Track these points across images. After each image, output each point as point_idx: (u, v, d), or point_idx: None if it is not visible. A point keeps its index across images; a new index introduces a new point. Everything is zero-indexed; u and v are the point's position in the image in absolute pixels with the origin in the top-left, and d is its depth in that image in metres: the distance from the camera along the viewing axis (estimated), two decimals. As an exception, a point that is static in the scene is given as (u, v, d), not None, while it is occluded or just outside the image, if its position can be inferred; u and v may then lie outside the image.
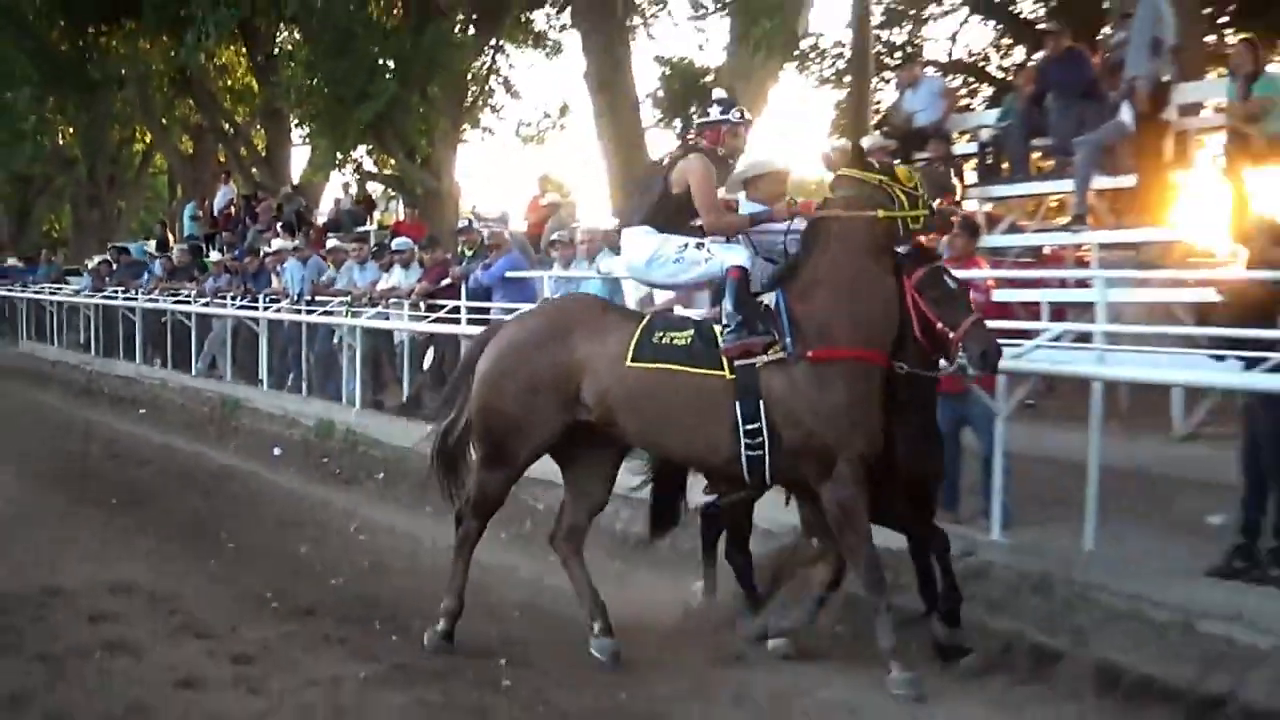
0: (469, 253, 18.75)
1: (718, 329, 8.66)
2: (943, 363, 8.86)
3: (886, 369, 8.51)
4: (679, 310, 10.83)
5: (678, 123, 31.76)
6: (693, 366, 8.53)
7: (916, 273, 8.66)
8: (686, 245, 9.17)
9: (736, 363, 8.42)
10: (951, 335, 8.53)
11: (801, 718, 8.05)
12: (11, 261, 41.15)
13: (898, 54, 30.38)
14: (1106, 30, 17.79)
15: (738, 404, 8.36)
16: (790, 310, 8.50)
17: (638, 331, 8.79)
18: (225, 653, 9.22)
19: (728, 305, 8.66)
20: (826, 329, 8.38)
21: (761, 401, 8.33)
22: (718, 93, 10.81)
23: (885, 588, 8.55)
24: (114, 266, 31.79)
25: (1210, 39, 21.78)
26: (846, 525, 8.54)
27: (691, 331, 8.74)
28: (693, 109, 28.06)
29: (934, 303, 8.63)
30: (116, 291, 29.91)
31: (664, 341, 8.69)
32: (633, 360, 8.66)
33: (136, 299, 28.22)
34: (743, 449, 8.40)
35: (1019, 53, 26.04)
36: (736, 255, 8.96)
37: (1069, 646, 8.51)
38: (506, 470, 9.39)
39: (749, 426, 8.34)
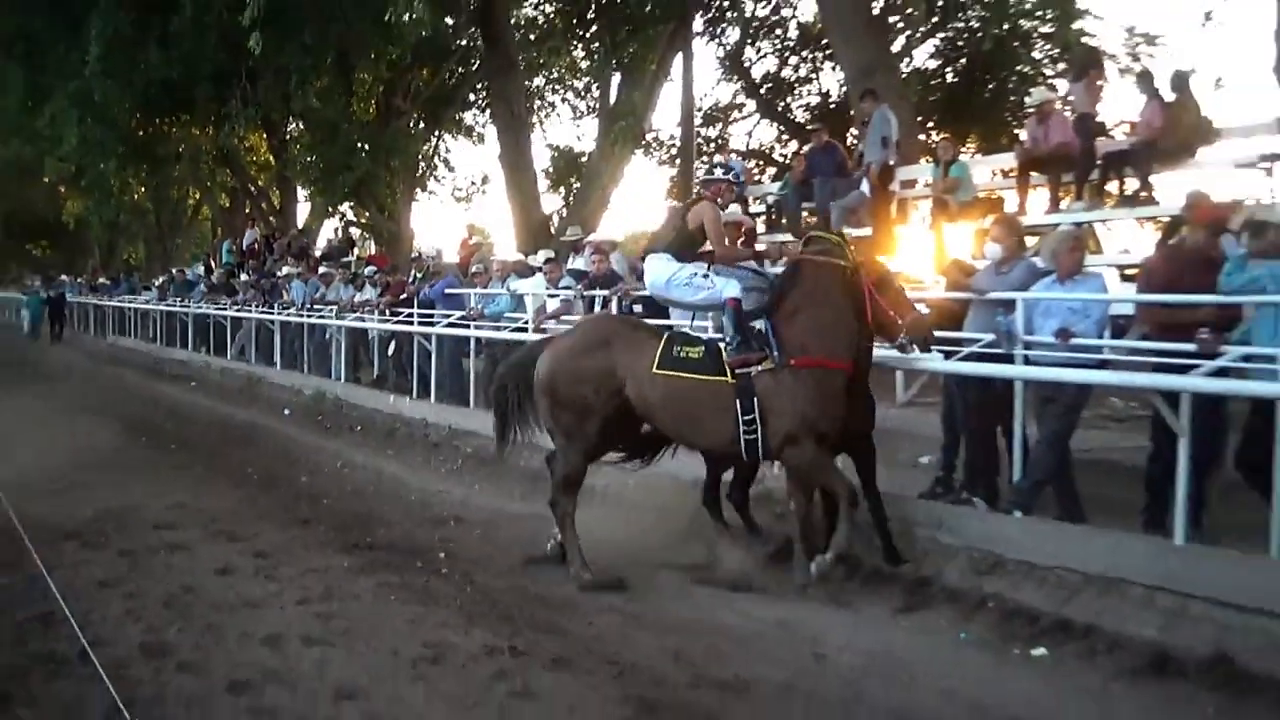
0: (419, 275, 18.64)
1: (721, 345, 8.52)
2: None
3: (848, 373, 8.33)
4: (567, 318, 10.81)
5: (562, 189, 32.01)
6: (705, 374, 8.33)
7: (871, 279, 8.54)
8: (696, 273, 8.99)
9: (737, 371, 8.27)
10: (900, 323, 8.39)
11: (726, 610, 7.76)
12: (103, 280, 40.35)
13: (712, 144, 30.40)
14: (853, 131, 17.92)
15: (738, 402, 8.20)
16: (777, 331, 8.35)
17: (660, 345, 8.55)
18: (250, 550, 9.15)
19: (728, 328, 8.55)
20: (804, 345, 8.23)
21: (755, 399, 8.18)
22: (719, 159, 10.72)
23: (814, 534, 8.38)
24: (173, 284, 31.42)
25: (922, 136, 21.96)
26: (801, 482, 8.42)
27: (702, 348, 8.53)
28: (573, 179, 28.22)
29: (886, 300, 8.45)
30: (175, 301, 29.60)
31: (681, 355, 8.47)
32: (657, 369, 8.44)
33: (189, 307, 27.94)
34: (742, 434, 8.23)
35: (793, 145, 26.14)
36: (732, 287, 8.75)
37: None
38: (583, 447, 8.75)
39: (746, 418, 8.18)
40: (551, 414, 8.77)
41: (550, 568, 8.66)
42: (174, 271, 33.90)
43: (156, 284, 33.16)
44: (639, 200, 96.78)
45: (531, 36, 29.93)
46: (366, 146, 29.18)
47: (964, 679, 6.36)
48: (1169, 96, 13.84)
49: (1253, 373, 7.29)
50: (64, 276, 38.37)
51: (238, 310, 24.52)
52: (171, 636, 6.86)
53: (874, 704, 5.96)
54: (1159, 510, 7.74)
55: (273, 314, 22.27)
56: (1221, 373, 7.32)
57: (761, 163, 30.60)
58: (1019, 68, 27.33)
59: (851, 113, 18.61)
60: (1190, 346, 7.63)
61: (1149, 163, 13.79)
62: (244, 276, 27.05)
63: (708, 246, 9.05)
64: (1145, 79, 14.63)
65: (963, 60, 28.68)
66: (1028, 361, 8.60)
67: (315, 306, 20.92)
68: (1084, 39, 26.36)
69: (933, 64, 29.42)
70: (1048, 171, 15.06)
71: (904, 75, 25.58)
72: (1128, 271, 12.49)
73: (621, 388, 8.59)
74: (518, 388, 9.09)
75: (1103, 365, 8.54)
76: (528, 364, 9.03)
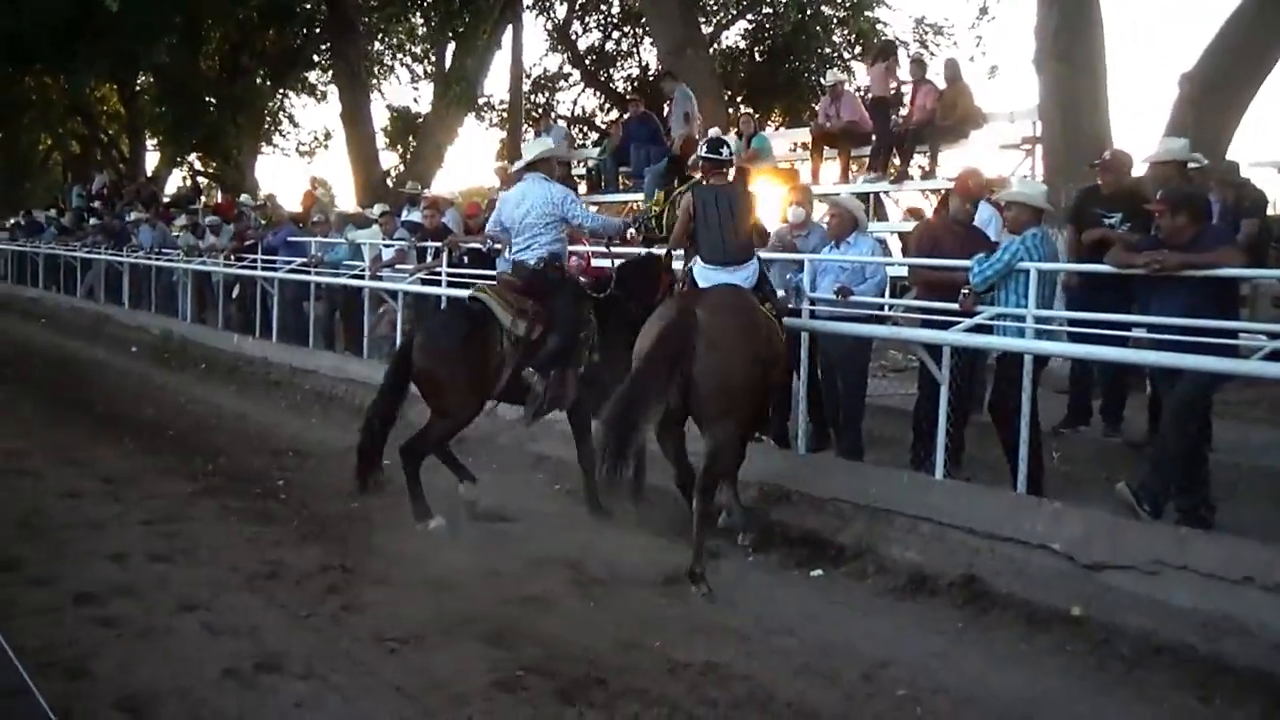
0: (263, 223, 18.35)
1: None
2: None
3: None
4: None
5: (400, 147, 31.71)
6: None
7: None
8: None
9: None
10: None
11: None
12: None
13: (539, 110, 30.37)
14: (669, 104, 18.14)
15: None
16: None
17: None
18: (95, 475, 9.03)
19: None
20: None
21: None
22: (713, 132, 10.15)
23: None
24: (22, 227, 30.22)
25: (733, 110, 22.28)
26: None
27: None
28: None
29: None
30: (25, 242, 28.54)
31: None
32: None
33: (40, 248, 26.97)
34: None
35: (614, 114, 26.26)
36: None
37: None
38: (744, 430, 7.35)
39: None
40: (732, 391, 6.84)
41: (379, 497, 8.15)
42: (25, 214, 32.63)
43: (8, 225, 31.83)
44: (469, 159, 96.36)
45: (373, 2, 29.46)
46: (214, 101, 28.52)
47: (746, 593, 6.62)
48: (942, 84, 14.42)
49: (1002, 329, 7.65)
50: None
51: (87, 252, 23.69)
52: (21, 553, 6.76)
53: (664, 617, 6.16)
54: (924, 449, 8.03)
55: (121, 256, 21.59)
56: (978, 330, 7.64)
57: (585, 128, 30.69)
58: (820, 50, 27.95)
59: (663, 87, 18.76)
60: (954, 305, 7.90)
61: (929, 141, 14.38)
62: (93, 220, 26.14)
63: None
64: (919, 66, 15.20)
65: (768, 41, 29.20)
66: (812, 316, 8.74)
67: (163, 250, 20.36)
68: (877, 26, 27.25)
69: (741, 44, 29.94)
70: (839, 146, 15.56)
71: (714, 54, 25.96)
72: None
73: None
74: None
75: (882, 321, 8.81)
76: None
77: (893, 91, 15.60)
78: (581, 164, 20.15)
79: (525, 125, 26.27)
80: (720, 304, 7.03)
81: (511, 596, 6.30)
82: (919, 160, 14.87)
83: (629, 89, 28.77)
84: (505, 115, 29.64)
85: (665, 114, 18.23)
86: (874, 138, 15.14)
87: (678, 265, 8.02)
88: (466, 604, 6.11)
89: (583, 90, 31.73)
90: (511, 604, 6.18)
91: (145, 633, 5.65)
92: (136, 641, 5.53)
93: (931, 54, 23.42)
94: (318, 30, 31.66)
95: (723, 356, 6.75)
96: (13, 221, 31.96)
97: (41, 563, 6.60)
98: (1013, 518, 6.75)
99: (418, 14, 30.63)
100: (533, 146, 9.13)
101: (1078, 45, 12.22)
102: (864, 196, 13.34)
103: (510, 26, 26.45)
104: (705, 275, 7.32)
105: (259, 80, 32.48)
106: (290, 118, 36.38)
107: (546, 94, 31.67)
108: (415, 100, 33.48)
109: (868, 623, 6.20)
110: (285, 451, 10.32)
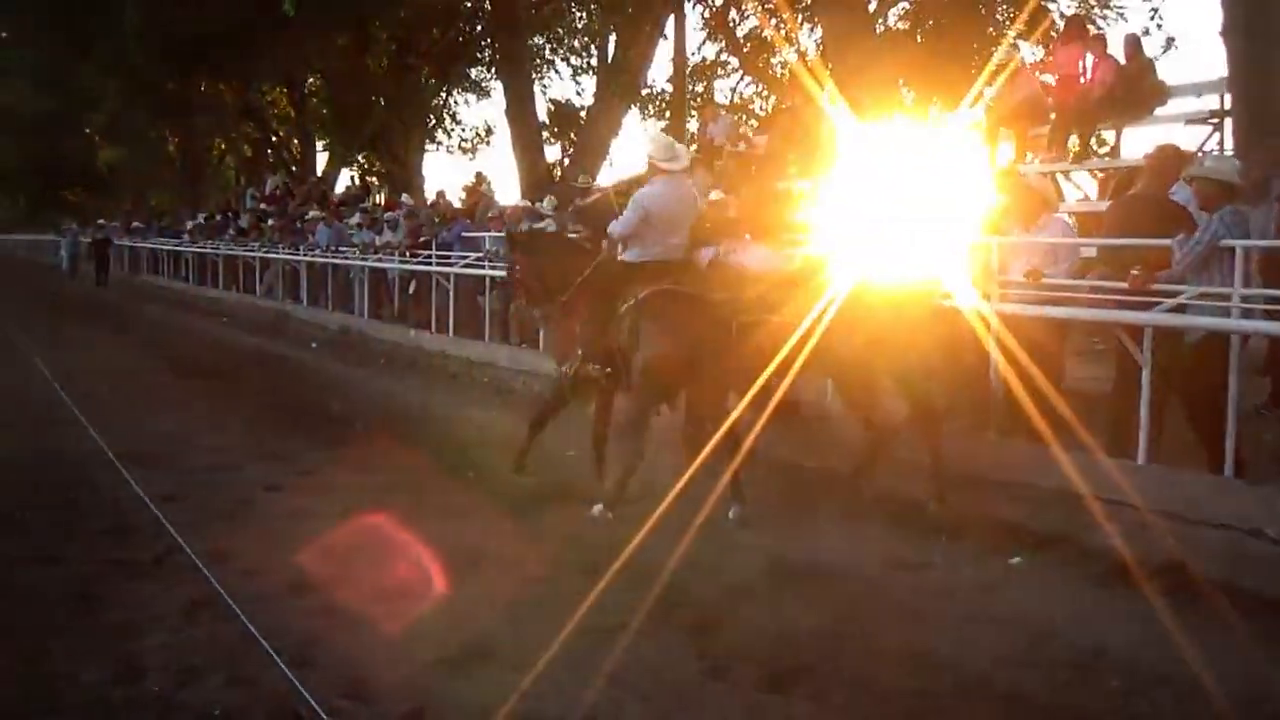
0: (437, 220, 18.68)
1: None
2: None
3: None
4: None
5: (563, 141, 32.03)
6: None
7: None
8: None
9: None
10: None
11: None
12: (136, 224, 40.19)
13: (697, 99, 30.35)
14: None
15: None
16: None
17: None
18: (293, 470, 9.24)
19: None
20: None
21: None
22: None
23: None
24: (202, 228, 31.39)
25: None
26: None
27: None
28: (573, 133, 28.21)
29: None
30: (205, 244, 29.61)
31: None
32: None
33: (219, 249, 27.95)
34: None
35: (772, 100, 26.10)
36: None
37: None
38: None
39: None
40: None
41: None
42: (202, 216, 33.89)
43: (189, 227, 33.07)
44: (628, 152, 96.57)
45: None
46: (382, 100, 29.16)
47: (947, 581, 6.49)
48: (1122, 59, 13.93)
49: (1198, 309, 7.37)
50: (101, 221, 38.19)
51: (265, 252, 24.49)
52: (231, 545, 6.96)
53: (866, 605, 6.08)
54: (1121, 433, 7.79)
55: (299, 255, 22.25)
56: (1180, 310, 7.39)
57: (744, 117, 30.55)
58: (986, 29, 27.30)
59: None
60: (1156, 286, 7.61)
61: (1111, 118, 13.91)
62: (270, 221, 27.01)
63: None
64: (1099, 41, 14.70)
65: (929, 22, 28.63)
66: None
67: (339, 248, 20.90)
68: (1044, 3, 26.47)
69: (902, 26, 29.39)
70: (1015, 126, 15.12)
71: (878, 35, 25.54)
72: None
73: None
74: None
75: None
76: None
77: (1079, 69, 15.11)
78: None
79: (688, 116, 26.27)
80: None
81: (712, 585, 6.28)
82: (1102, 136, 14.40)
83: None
84: (665, 106, 29.69)
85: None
86: (1052, 116, 14.68)
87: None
88: (671, 592, 6.09)
89: (741, 78, 31.59)
90: (713, 593, 6.16)
91: (360, 622, 5.73)
92: (353, 631, 5.61)
93: (1100, 29, 22.66)
94: (479, 28, 32.16)
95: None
96: (191, 224, 33.22)
97: (252, 554, 6.77)
98: (1221, 501, 6.54)
99: (579, 8, 30.87)
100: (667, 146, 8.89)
101: (1265, 15, 11.75)
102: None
103: (672, 16, 26.42)
104: None
105: (424, 79, 33.08)
106: (453, 115, 37.08)
107: (702, 84, 31.62)
108: (578, 93, 33.80)
109: (1074, 610, 6.00)
110: (474, 443, 10.43)
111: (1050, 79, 14.76)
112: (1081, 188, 14.16)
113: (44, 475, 8.87)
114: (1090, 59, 14.55)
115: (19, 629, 5.57)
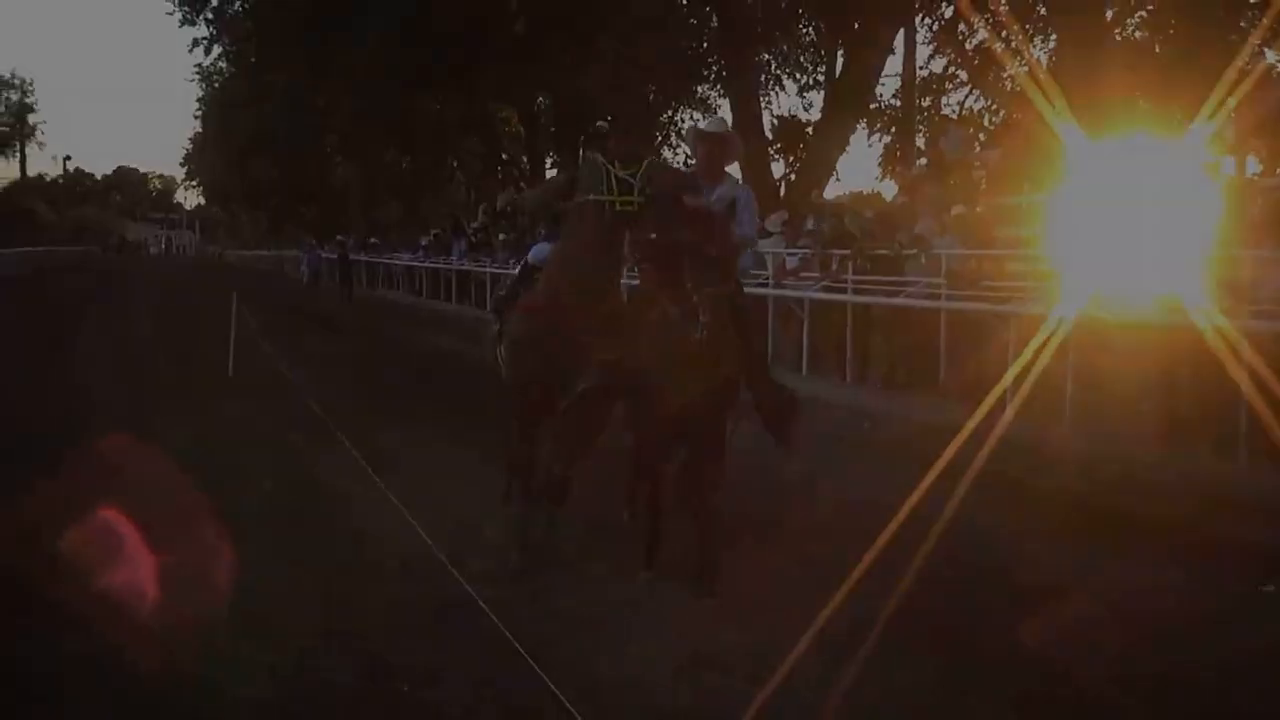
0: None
1: None
2: None
3: None
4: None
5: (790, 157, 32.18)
6: None
7: None
8: None
9: None
10: None
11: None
12: (372, 240, 41.95)
13: (924, 113, 30.13)
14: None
15: None
16: None
17: None
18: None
19: None
20: None
21: None
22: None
23: None
24: (435, 243, 32.43)
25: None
26: None
27: None
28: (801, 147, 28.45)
29: None
30: (437, 260, 30.57)
31: None
32: None
33: (451, 264, 28.84)
34: None
35: (1002, 114, 25.64)
36: None
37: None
38: None
39: None
40: None
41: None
42: (434, 233, 35.04)
43: (423, 243, 34.19)
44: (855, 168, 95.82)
45: (759, 13, 29.91)
46: (610, 117, 29.73)
47: (1197, 609, 6.33)
48: None
49: None
50: (340, 236, 39.95)
51: (498, 268, 25.17)
52: (461, 549, 7.05)
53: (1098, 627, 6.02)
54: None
55: (529, 271, 22.71)
56: None
57: (974, 130, 30.15)
58: (1231, 36, 26.27)
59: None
60: None
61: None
62: (501, 236, 27.79)
63: None
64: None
65: (1170, 30, 27.70)
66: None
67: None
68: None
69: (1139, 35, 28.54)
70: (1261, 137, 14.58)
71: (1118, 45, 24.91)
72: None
73: None
74: None
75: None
76: None
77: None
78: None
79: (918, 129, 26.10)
80: None
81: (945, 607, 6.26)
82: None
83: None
84: (890, 120, 29.53)
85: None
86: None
87: None
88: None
89: (970, 91, 31.20)
90: (947, 613, 6.15)
91: (591, 624, 5.92)
92: (584, 634, 5.79)
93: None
94: (704, 45, 32.59)
95: None
96: (424, 241, 34.43)
97: (482, 561, 6.94)
98: None
99: (807, 24, 30.94)
100: None
101: None
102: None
103: (901, 30, 26.31)
104: None
105: (651, 97, 33.71)
106: (678, 131, 37.57)
107: (930, 99, 31.34)
108: (806, 108, 33.88)
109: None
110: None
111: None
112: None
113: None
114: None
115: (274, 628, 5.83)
